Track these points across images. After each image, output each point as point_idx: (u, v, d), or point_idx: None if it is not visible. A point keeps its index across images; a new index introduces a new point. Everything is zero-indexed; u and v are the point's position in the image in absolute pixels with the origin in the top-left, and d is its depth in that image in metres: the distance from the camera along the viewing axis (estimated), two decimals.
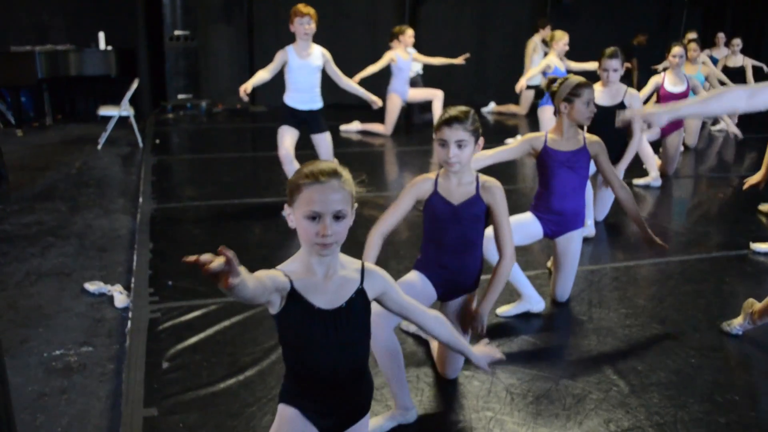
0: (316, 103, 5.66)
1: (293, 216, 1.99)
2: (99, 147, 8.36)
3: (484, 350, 2.52)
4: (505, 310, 3.88)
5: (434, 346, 3.32)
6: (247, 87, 5.42)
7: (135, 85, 8.55)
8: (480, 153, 3.54)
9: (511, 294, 4.00)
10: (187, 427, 2.85)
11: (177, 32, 9.98)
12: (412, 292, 2.85)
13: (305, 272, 2.00)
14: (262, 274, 1.86)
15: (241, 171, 7.23)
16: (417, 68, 9.40)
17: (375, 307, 2.41)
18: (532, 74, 7.87)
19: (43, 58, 9.18)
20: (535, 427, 2.90)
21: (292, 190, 1.99)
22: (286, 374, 2.16)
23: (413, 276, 3.09)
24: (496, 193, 3.00)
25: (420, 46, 9.47)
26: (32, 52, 9.10)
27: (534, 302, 3.88)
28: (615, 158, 4.89)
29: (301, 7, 5.43)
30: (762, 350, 3.61)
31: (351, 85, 5.97)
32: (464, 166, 2.95)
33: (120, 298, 4.19)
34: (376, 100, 6.03)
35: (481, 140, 2.97)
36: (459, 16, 11.64)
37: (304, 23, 5.39)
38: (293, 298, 1.96)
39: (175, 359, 3.37)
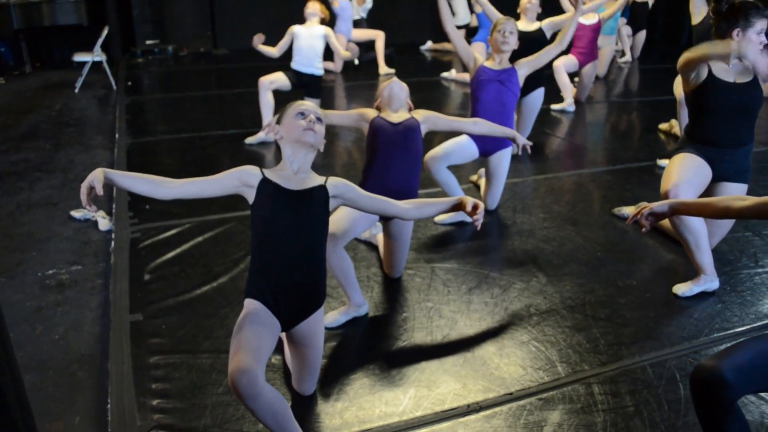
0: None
1: (282, 128, 2.25)
2: (76, 90, 8.05)
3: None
4: (443, 218, 3.94)
5: (382, 250, 3.38)
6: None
7: (105, 32, 8.19)
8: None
9: None
10: (169, 327, 2.88)
11: None
12: (360, 215, 2.90)
13: (280, 168, 2.23)
14: (225, 173, 2.17)
15: (208, 107, 7.07)
16: (360, 12, 9.20)
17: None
18: (459, 16, 7.92)
19: (18, 9, 8.69)
20: (468, 313, 3.01)
21: (282, 111, 2.30)
22: (250, 270, 2.21)
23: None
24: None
25: None
26: (7, 4, 8.60)
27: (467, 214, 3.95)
28: (535, 78, 4.92)
29: None
30: (655, 244, 3.76)
31: None
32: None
33: (103, 222, 4.13)
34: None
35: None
36: None
37: None
38: (265, 183, 2.16)
39: (156, 272, 3.37)
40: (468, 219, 3.96)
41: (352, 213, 2.90)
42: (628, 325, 2.96)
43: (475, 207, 2.37)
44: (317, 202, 2.19)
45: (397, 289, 3.23)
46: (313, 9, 5.77)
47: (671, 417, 2.40)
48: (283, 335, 2.48)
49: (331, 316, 2.91)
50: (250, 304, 2.15)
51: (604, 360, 2.71)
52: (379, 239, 3.54)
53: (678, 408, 2.44)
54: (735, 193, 3.29)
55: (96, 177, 1.99)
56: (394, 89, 3.08)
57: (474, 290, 3.21)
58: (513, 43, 3.91)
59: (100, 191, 1.95)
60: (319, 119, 2.25)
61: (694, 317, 3.05)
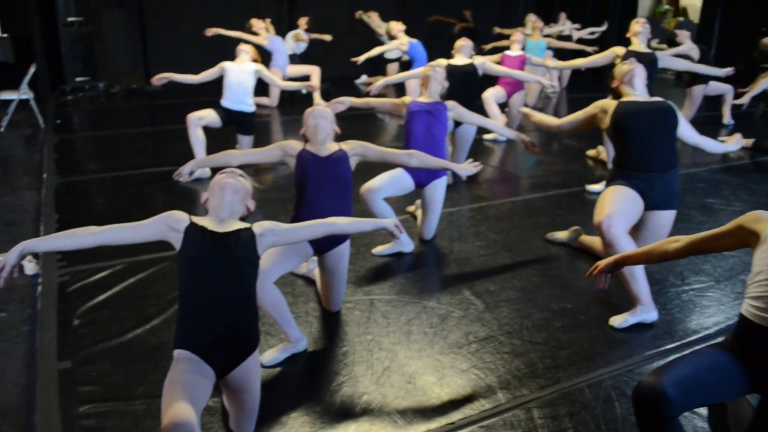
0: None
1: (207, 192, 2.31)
2: (2, 129, 7.75)
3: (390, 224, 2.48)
4: (380, 250, 3.94)
5: (319, 284, 3.34)
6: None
7: (32, 69, 7.94)
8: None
9: (385, 236, 4.08)
10: (100, 374, 2.75)
11: (70, 18, 9.33)
12: (290, 249, 2.87)
13: (208, 216, 2.24)
14: (151, 219, 2.18)
15: (140, 145, 6.91)
16: (294, 47, 9.24)
17: None
18: (383, 49, 8.09)
19: None
20: (408, 344, 3.00)
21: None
22: (178, 319, 2.14)
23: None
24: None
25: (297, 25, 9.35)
26: None
27: (405, 244, 3.97)
28: (469, 108, 5.02)
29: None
30: (587, 267, 3.84)
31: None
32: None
33: (29, 266, 3.94)
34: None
35: None
36: None
37: None
38: (192, 228, 2.14)
39: (86, 316, 3.23)
40: (405, 250, 3.96)
41: (281, 248, 2.86)
42: (564, 348, 3.00)
43: (398, 227, 2.44)
44: (244, 243, 2.16)
45: (336, 323, 3.19)
46: (245, 46, 5.78)
47: None
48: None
49: (270, 353, 2.85)
50: (180, 355, 2.08)
51: (543, 384, 2.73)
52: (316, 273, 3.50)
53: (615, 427, 2.47)
54: (665, 220, 3.44)
55: (13, 257, 2.04)
56: (319, 120, 3.02)
57: (413, 321, 3.20)
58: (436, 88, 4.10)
59: (25, 271, 1.97)
60: (242, 175, 2.32)
61: (626, 336, 3.13)
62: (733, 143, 3.87)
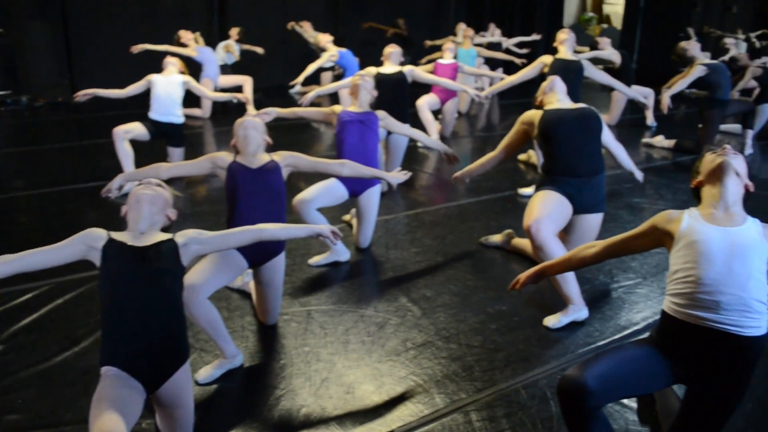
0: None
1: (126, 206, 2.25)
2: None
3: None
4: (316, 260, 3.92)
5: (255, 298, 3.30)
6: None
7: None
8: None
9: (322, 246, 4.06)
10: (26, 402, 2.63)
11: None
12: (224, 263, 2.82)
13: (127, 230, 2.17)
14: (69, 239, 2.11)
15: (67, 160, 6.67)
16: (225, 58, 9.13)
17: (187, 280, 2.44)
18: (317, 65, 8.09)
19: None
20: (346, 354, 2.99)
21: None
22: (103, 336, 2.08)
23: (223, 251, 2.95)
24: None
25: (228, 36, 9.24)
26: None
27: (341, 253, 3.96)
28: (400, 116, 5.04)
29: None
30: (521, 269, 3.92)
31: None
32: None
33: None
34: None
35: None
36: (265, 5, 11.34)
37: None
38: (110, 245, 2.09)
39: (10, 341, 3.09)
40: (342, 259, 3.95)
41: (213, 262, 2.81)
42: (500, 350, 3.05)
43: (334, 233, 2.41)
44: (165, 256, 2.11)
45: (273, 336, 3.16)
46: (172, 58, 5.69)
47: None
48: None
49: (205, 371, 2.79)
50: (107, 372, 2.02)
51: (480, 386, 2.76)
52: (252, 287, 3.45)
53: (551, 425, 2.53)
54: (593, 223, 3.56)
55: None
56: (249, 131, 2.97)
57: (351, 330, 3.19)
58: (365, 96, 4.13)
59: None
60: (160, 185, 2.28)
61: (560, 336, 3.20)
62: (639, 174, 4.14)
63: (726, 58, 9.65)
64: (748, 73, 7.72)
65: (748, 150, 7.16)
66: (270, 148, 3.12)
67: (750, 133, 7.29)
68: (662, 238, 2.17)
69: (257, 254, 2.96)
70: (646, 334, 2.28)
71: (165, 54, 5.80)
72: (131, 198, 2.19)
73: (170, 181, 5.27)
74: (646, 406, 2.54)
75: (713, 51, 11.32)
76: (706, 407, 2.13)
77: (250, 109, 8.54)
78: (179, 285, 2.16)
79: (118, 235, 2.12)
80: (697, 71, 6.53)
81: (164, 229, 2.25)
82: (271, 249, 2.99)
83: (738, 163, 2.17)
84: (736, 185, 2.14)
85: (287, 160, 3.06)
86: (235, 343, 2.94)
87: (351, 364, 2.91)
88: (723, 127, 8.02)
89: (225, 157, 3.01)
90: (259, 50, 9.55)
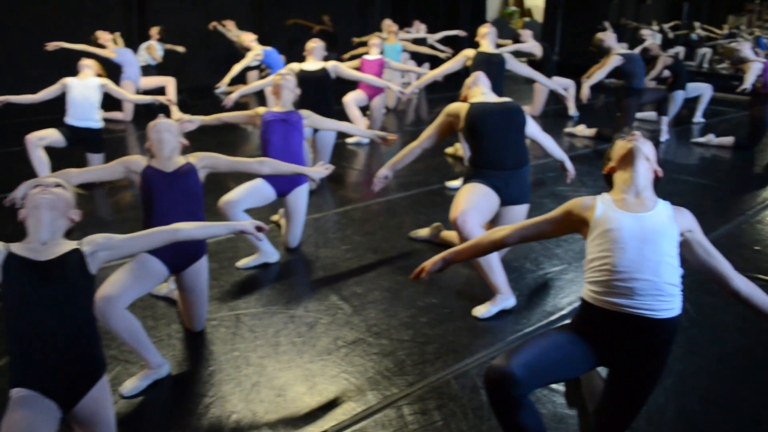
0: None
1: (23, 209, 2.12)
2: None
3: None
4: (244, 262, 3.85)
5: (180, 304, 3.21)
6: None
7: None
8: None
9: (250, 248, 3.99)
10: None
11: None
12: (141, 271, 2.73)
13: (27, 241, 2.04)
14: None
15: None
16: (148, 59, 8.87)
17: (102, 291, 2.35)
18: (242, 66, 7.98)
19: None
20: (276, 356, 2.94)
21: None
22: (10, 356, 1.97)
23: (141, 257, 2.83)
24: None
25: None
26: None
27: (270, 254, 3.90)
28: (325, 112, 5.00)
29: None
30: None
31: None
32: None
33: None
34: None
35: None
36: (186, 4, 11.05)
37: None
38: (11, 259, 1.97)
39: None
40: (271, 260, 3.89)
41: (130, 270, 2.72)
42: (431, 343, 3.07)
43: (259, 228, 2.35)
44: (72, 268, 2.01)
45: (201, 342, 3.08)
46: (87, 61, 5.47)
47: (477, 424, 2.51)
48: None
49: (130, 383, 2.70)
50: (17, 394, 1.92)
51: (411, 380, 2.77)
52: (177, 293, 3.36)
53: (482, 414, 2.56)
54: (520, 214, 3.61)
55: None
56: (163, 134, 2.89)
57: (281, 332, 3.15)
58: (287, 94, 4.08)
59: None
60: (59, 185, 2.14)
61: (489, 325, 3.25)
62: (569, 164, 4.02)
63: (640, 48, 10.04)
64: (659, 62, 8.04)
65: (664, 136, 7.46)
66: (197, 150, 3.05)
67: (665, 120, 7.60)
68: (577, 225, 2.22)
69: (177, 259, 2.88)
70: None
71: (81, 56, 5.58)
72: (29, 203, 2.05)
73: (92, 188, 5.13)
74: (573, 389, 2.60)
75: (630, 42, 11.74)
76: (628, 387, 2.20)
77: (174, 111, 8.34)
78: (89, 297, 2.07)
79: (18, 248, 1.99)
80: (613, 61, 6.75)
81: (68, 232, 2.14)
82: (192, 253, 2.92)
83: (647, 149, 2.23)
84: (646, 170, 2.21)
85: (204, 161, 2.98)
86: (161, 353, 2.85)
87: (282, 367, 2.87)
88: (639, 114, 8.33)
89: (139, 161, 2.91)
90: (180, 49, 9.34)
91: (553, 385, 2.70)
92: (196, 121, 3.98)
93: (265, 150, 3.91)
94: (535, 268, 3.90)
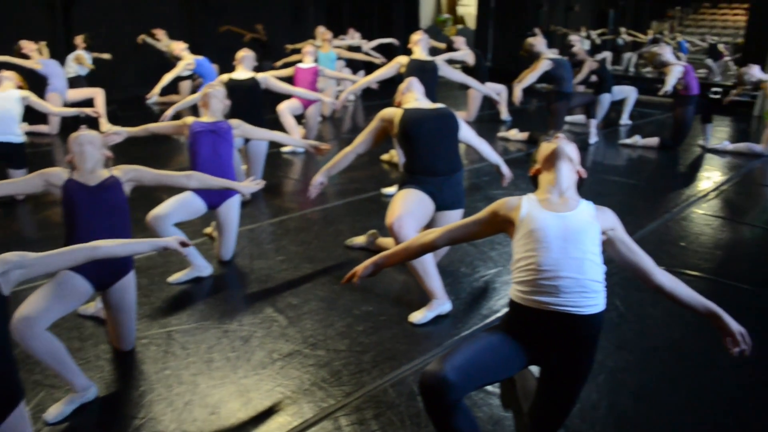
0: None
1: None
2: None
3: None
4: (176, 277, 3.74)
5: (108, 323, 3.09)
6: None
7: None
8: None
9: (181, 262, 3.88)
10: None
11: None
12: (62, 290, 2.62)
13: None
14: None
15: None
16: (77, 69, 8.58)
17: (20, 312, 2.27)
18: (173, 75, 7.79)
19: None
20: (210, 373, 2.87)
21: None
22: None
23: (62, 275, 2.72)
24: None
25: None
26: None
27: (202, 268, 3.80)
28: (255, 122, 4.91)
29: None
30: (388, 272, 3.93)
31: None
32: None
33: None
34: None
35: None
36: (114, 12, 10.74)
37: None
38: None
39: None
40: (203, 274, 3.79)
41: (50, 289, 2.60)
42: (367, 351, 3.04)
43: (182, 243, 2.29)
44: None
45: (130, 362, 2.97)
46: (7, 72, 5.25)
47: (414, 431, 2.50)
48: None
49: (54, 409, 2.57)
50: None
51: (348, 390, 2.74)
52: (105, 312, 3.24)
53: (419, 421, 2.55)
54: (454, 219, 3.63)
55: None
56: (85, 146, 2.78)
57: (214, 347, 3.07)
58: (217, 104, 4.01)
59: None
60: None
61: (425, 331, 3.25)
62: (505, 168, 4.03)
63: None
64: (585, 66, 8.27)
65: (593, 138, 7.68)
66: (126, 162, 2.95)
67: (593, 123, 7.81)
68: (503, 225, 2.24)
69: (101, 276, 2.77)
70: None
71: (3, 67, 5.34)
72: None
73: (16, 205, 4.91)
74: (508, 389, 2.62)
75: (560, 48, 12.07)
76: (560, 383, 2.23)
77: (103, 122, 8.09)
78: (3, 319, 1.96)
79: None
80: (543, 65, 6.91)
81: None
82: (117, 269, 2.81)
83: (570, 150, 2.28)
84: (569, 170, 2.25)
85: (128, 174, 2.89)
86: (89, 375, 2.75)
87: (215, 383, 2.79)
88: (569, 118, 8.56)
89: (60, 174, 2.79)
90: (107, 56, 9.04)
91: (489, 388, 2.72)
92: (123, 132, 3.86)
93: (194, 162, 3.82)
94: (470, 272, 3.93)
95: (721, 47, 14.73)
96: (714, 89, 10.98)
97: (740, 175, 6.54)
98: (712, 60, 14.45)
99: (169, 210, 3.62)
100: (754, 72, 7.29)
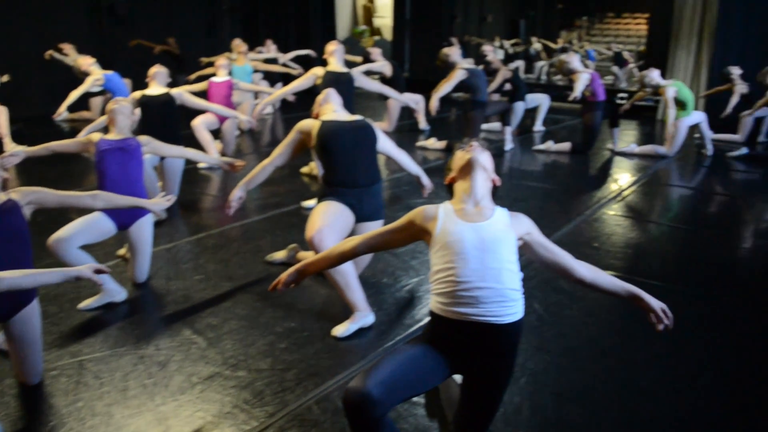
0: None
1: None
2: None
3: None
4: (87, 303, 3.56)
5: (11, 356, 2.90)
6: None
7: None
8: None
9: (93, 288, 3.70)
10: None
11: None
12: None
13: None
14: None
15: None
16: None
17: None
18: (81, 91, 7.48)
19: None
20: (125, 402, 2.73)
21: None
22: None
23: None
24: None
25: None
26: None
27: (115, 293, 3.62)
28: (171, 139, 4.74)
29: None
30: (308, 281, 3.89)
31: None
32: None
33: None
34: None
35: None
36: (18, 27, 10.22)
37: None
38: None
39: None
40: (117, 299, 3.62)
41: None
42: (290, 369, 2.98)
43: (98, 271, 2.17)
44: None
45: (38, 396, 2.79)
46: None
47: None
48: None
49: None
50: None
51: (272, 411, 2.68)
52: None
53: None
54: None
55: None
56: None
57: (130, 375, 2.93)
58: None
59: None
60: None
61: (349, 344, 3.22)
62: (425, 179, 4.00)
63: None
64: (499, 75, 8.49)
65: (509, 145, 7.87)
66: (31, 184, 2.78)
67: (508, 130, 8.02)
68: (420, 234, 2.25)
69: (1, 306, 2.60)
70: None
71: None
72: None
73: None
74: (432, 399, 2.63)
75: (475, 58, 12.34)
76: (482, 391, 2.25)
77: (7, 142, 7.69)
78: None
79: None
80: (458, 75, 7.03)
81: None
82: (18, 299, 2.64)
83: (484, 159, 2.31)
84: (483, 179, 2.28)
85: (28, 197, 2.73)
86: None
87: (131, 413, 2.66)
88: (485, 126, 8.75)
89: None
90: (5, 78, 8.55)
91: (413, 398, 2.71)
92: (21, 153, 3.65)
93: (101, 181, 3.65)
94: (392, 282, 3.93)
95: (625, 55, 15.42)
96: (620, 95, 11.49)
97: (647, 176, 6.85)
98: (617, 67, 15.11)
99: (72, 232, 3.43)
100: (654, 76, 7.66)
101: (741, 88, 8.29)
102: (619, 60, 15.23)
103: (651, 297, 2.28)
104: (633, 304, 2.31)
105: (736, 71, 8.43)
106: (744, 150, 7.77)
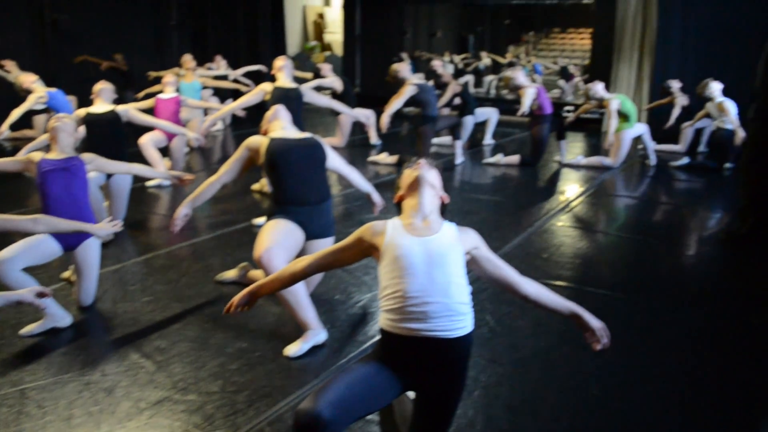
0: None
1: None
2: None
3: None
4: (29, 329, 3.43)
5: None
6: None
7: None
8: None
9: (35, 312, 3.58)
10: None
11: None
12: None
13: None
14: None
15: None
16: None
17: None
18: (23, 110, 7.26)
19: None
20: (69, 430, 2.64)
21: None
22: None
23: None
24: None
25: None
26: None
27: (59, 318, 3.50)
28: (117, 157, 4.61)
29: None
30: (260, 300, 3.83)
31: None
32: None
33: None
34: None
35: None
36: None
37: None
38: None
39: None
40: (61, 324, 3.50)
41: None
42: (241, 391, 2.93)
43: (40, 294, 2.11)
44: None
45: None
46: None
47: None
48: None
49: None
50: None
51: None
52: None
53: None
54: (325, 248, 3.57)
55: None
56: None
57: (75, 402, 2.84)
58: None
59: None
60: None
61: (302, 363, 3.18)
62: (376, 195, 3.97)
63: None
64: (449, 90, 8.59)
65: (459, 159, 7.96)
66: None
67: (459, 144, 8.11)
68: (369, 251, 2.25)
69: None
70: None
71: None
72: None
73: None
74: (386, 416, 2.61)
75: (426, 73, 12.47)
76: (434, 406, 2.25)
77: None
78: None
79: None
80: (408, 90, 7.08)
81: None
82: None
83: (431, 177, 2.33)
84: (431, 196, 2.30)
85: None
86: None
87: None
88: (436, 140, 8.83)
89: None
90: None
91: (367, 416, 2.69)
92: None
93: (45, 203, 3.54)
94: (345, 299, 3.91)
95: (571, 69, 15.81)
96: (566, 108, 11.76)
97: (594, 187, 7.01)
98: (564, 81, 15.48)
99: (15, 254, 3.31)
100: (598, 89, 7.88)
101: (681, 100, 8.59)
102: (565, 74, 15.60)
103: (591, 316, 2.31)
104: (573, 322, 2.34)
105: (675, 84, 8.74)
106: (685, 160, 8.03)
